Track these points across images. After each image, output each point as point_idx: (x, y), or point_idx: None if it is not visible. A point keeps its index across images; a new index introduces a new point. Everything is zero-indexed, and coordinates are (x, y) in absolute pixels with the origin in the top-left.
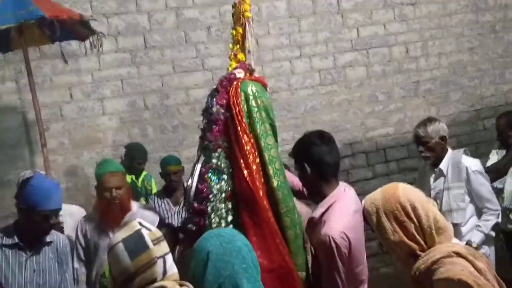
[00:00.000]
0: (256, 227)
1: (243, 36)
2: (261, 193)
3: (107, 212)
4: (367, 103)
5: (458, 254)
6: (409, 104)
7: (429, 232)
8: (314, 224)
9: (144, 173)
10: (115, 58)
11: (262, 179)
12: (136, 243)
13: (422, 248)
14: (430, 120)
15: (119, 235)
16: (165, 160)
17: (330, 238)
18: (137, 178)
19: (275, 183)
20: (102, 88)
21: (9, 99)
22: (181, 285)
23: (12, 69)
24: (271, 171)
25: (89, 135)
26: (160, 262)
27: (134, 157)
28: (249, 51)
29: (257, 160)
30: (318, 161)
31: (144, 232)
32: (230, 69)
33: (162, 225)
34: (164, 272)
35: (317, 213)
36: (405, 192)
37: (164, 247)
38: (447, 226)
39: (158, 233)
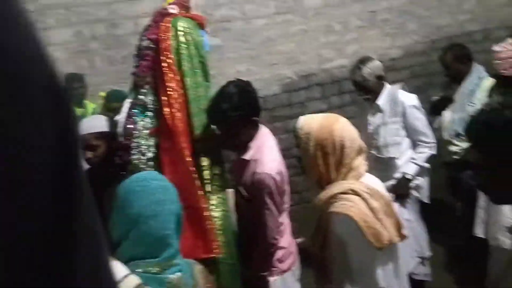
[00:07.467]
0: (171, 165)
1: None
2: (180, 132)
3: None
4: (323, 33)
5: (354, 192)
6: (365, 35)
7: (342, 169)
8: (244, 165)
9: (92, 105)
10: None
11: (186, 118)
12: None
13: (329, 181)
14: (363, 61)
15: None
16: (107, 95)
17: (269, 175)
18: (86, 112)
19: (196, 123)
20: (45, 16)
21: None
22: None
23: None
24: (193, 110)
25: None
26: None
27: (70, 84)
28: None
29: (182, 98)
30: (254, 110)
31: None
32: (165, 4)
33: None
34: None
35: (248, 154)
36: (342, 128)
37: None
38: (359, 166)
39: None
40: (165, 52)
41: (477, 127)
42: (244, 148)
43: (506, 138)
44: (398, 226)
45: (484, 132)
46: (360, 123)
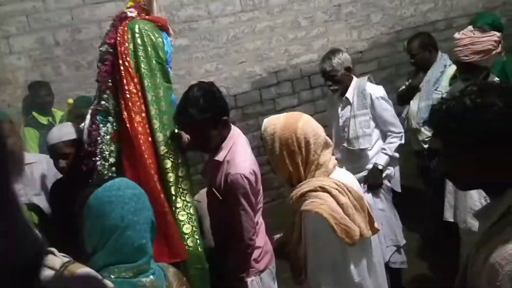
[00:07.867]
0: (132, 169)
1: None
2: (140, 136)
3: None
4: (290, 29)
5: (323, 189)
6: (332, 29)
7: (310, 166)
8: (217, 166)
9: (60, 113)
10: None
11: (146, 120)
12: None
13: (299, 179)
14: (333, 52)
15: None
16: (75, 102)
17: (242, 176)
18: (54, 120)
19: (156, 125)
20: (6, 24)
21: None
22: None
23: None
24: (153, 112)
25: None
26: None
27: (36, 93)
28: None
29: (141, 100)
30: (221, 110)
31: None
32: (125, 8)
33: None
34: None
35: (221, 155)
36: (304, 125)
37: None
38: (327, 162)
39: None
40: (122, 56)
41: (438, 115)
42: (216, 149)
43: (466, 125)
44: (370, 220)
45: (445, 120)
46: (330, 117)
